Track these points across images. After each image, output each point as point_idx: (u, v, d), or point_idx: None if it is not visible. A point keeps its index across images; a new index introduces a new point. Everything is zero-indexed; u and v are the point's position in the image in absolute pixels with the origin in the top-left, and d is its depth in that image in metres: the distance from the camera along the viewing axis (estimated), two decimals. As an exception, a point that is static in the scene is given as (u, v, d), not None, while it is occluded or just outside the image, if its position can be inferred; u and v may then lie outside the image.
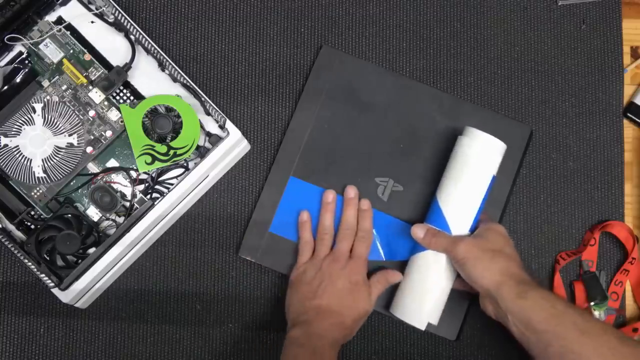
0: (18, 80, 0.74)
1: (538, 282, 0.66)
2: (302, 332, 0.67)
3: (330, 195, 0.75)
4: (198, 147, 0.73)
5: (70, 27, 0.75)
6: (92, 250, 0.71)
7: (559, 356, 0.60)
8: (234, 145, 0.74)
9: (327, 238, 0.74)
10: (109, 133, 0.74)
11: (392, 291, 0.73)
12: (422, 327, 0.69)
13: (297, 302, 0.70)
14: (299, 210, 0.75)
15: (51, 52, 0.74)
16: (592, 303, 0.74)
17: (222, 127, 0.73)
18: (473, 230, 0.71)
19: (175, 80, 0.74)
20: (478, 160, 0.70)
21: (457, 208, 0.70)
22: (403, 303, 0.71)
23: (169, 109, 0.73)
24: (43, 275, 0.69)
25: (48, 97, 0.74)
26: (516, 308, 0.63)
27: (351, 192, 0.75)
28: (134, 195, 0.73)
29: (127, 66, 0.74)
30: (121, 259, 0.73)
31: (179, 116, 0.72)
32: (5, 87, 0.74)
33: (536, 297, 0.63)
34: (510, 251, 0.68)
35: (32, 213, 0.73)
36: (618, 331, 0.61)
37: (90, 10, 0.75)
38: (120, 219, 0.73)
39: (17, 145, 0.73)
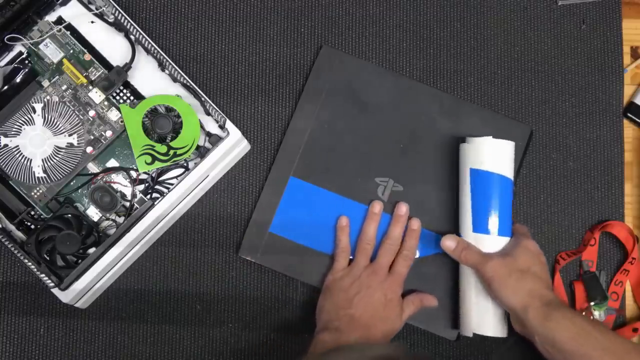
0: (18, 80, 0.74)
1: (564, 302, 0.66)
2: (331, 339, 0.67)
3: (377, 207, 0.75)
4: (198, 147, 0.73)
5: (70, 27, 0.75)
6: (92, 250, 0.71)
7: None
8: (234, 145, 0.74)
9: (369, 248, 0.74)
10: (109, 133, 0.74)
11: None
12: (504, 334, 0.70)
13: (332, 307, 0.70)
14: (299, 210, 0.75)
15: (51, 52, 0.74)
16: (592, 303, 0.74)
17: (222, 127, 0.73)
18: (509, 231, 0.71)
19: (175, 80, 0.74)
20: (495, 165, 0.70)
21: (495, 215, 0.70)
22: (485, 319, 0.70)
23: (169, 109, 0.73)
24: (43, 275, 0.69)
25: (48, 97, 0.74)
26: (542, 329, 0.64)
27: (401, 208, 0.75)
28: (134, 195, 0.73)
29: (127, 66, 0.74)
30: (121, 259, 0.73)
31: (179, 116, 0.72)
32: (5, 87, 0.74)
33: (561, 318, 0.63)
34: (539, 270, 0.68)
35: (32, 213, 0.73)
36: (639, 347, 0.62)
37: (90, 10, 0.75)
38: (120, 219, 0.73)
39: (17, 145, 0.73)
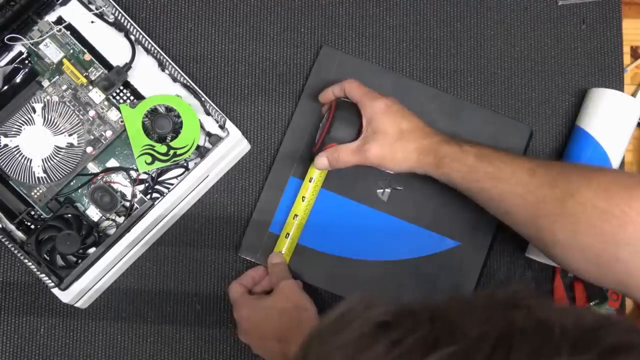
0: (18, 80, 0.74)
1: (446, 138, 0.67)
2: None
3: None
4: (198, 147, 0.73)
5: (70, 27, 0.75)
6: (92, 250, 0.71)
7: (486, 203, 0.64)
8: (234, 145, 0.74)
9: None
10: (109, 133, 0.74)
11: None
12: None
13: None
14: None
15: (51, 52, 0.74)
16: (592, 303, 0.74)
17: (222, 127, 0.73)
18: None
19: (175, 80, 0.74)
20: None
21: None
22: None
23: (169, 109, 0.73)
24: (43, 275, 0.68)
25: (48, 97, 0.74)
26: (439, 177, 0.66)
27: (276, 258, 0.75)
28: (134, 195, 0.73)
29: (127, 66, 0.74)
30: (121, 259, 0.73)
31: (179, 116, 0.72)
32: (5, 87, 0.74)
33: (449, 161, 0.65)
34: (408, 123, 0.68)
35: (32, 213, 0.73)
36: (529, 162, 0.62)
37: (90, 10, 0.75)
38: (120, 219, 0.73)
39: (17, 145, 0.73)
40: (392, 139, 0.67)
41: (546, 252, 0.61)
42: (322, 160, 0.70)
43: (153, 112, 0.73)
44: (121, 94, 0.75)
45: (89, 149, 0.73)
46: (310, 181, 0.74)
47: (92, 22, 0.75)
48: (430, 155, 0.66)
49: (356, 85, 0.70)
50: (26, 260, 0.69)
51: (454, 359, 0.27)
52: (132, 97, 0.75)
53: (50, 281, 0.69)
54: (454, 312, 0.32)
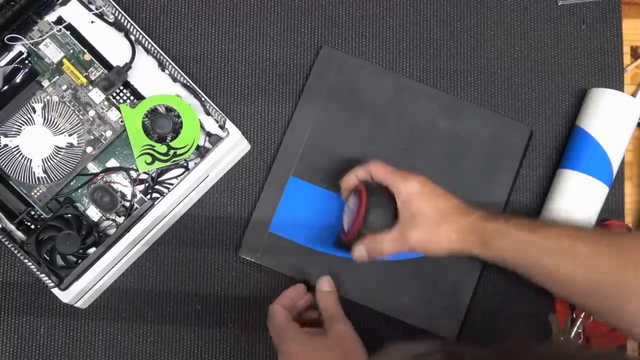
0: (18, 80, 0.74)
1: (491, 213, 0.64)
2: None
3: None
4: (198, 147, 0.73)
5: (70, 27, 0.75)
6: (92, 250, 0.71)
7: (544, 279, 0.61)
8: (234, 145, 0.74)
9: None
10: (109, 133, 0.74)
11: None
12: None
13: None
14: (299, 210, 0.75)
15: (51, 52, 0.74)
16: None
17: (222, 127, 0.73)
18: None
19: (175, 80, 0.74)
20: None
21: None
22: None
23: (169, 109, 0.73)
24: (43, 275, 0.68)
25: (48, 97, 0.74)
26: (489, 256, 0.63)
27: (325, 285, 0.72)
28: (134, 195, 0.73)
29: (127, 66, 0.74)
30: (121, 259, 0.73)
31: (179, 116, 0.72)
32: (5, 87, 0.74)
33: (498, 240, 0.62)
34: (445, 203, 0.65)
35: (32, 213, 0.73)
36: (589, 233, 0.60)
37: (90, 10, 0.75)
38: (120, 219, 0.73)
39: (17, 145, 0.73)
40: (432, 221, 0.64)
41: (611, 323, 0.59)
42: (361, 253, 0.67)
43: (153, 112, 0.73)
44: (121, 94, 0.75)
45: (89, 149, 0.73)
46: None
47: (92, 22, 0.75)
48: (475, 234, 0.63)
49: (382, 167, 0.67)
50: (26, 260, 0.69)
51: None
52: (132, 97, 0.75)
53: (50, 281, 0.69)
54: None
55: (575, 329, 0.74)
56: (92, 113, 0.74)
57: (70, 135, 0.73)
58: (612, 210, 0.77)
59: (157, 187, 0.74)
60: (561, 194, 0.74)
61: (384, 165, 0.67)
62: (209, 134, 0.74)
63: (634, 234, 0.62)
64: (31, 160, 0.72)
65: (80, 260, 0.70)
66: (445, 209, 0.64)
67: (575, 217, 0.73)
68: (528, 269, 0.61)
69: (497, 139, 0.76)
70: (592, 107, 0.75)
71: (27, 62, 0.75)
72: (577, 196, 0.73)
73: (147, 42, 0.72)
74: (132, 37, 0.74)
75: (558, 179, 0.75)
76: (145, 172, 0.73)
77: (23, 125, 0.73)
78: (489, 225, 0.62)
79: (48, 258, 0.71)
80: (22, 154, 0.72)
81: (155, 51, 0.72)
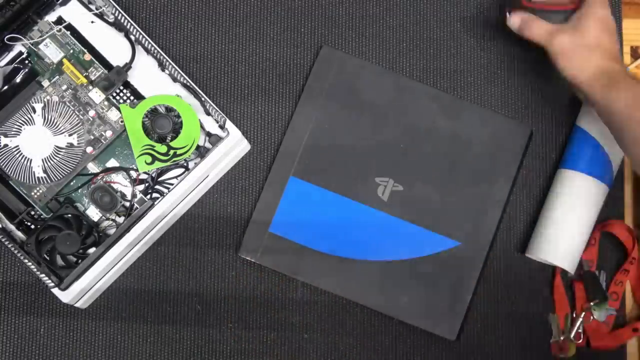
0: (18, 80, 0.74)
1: (626, 74, 0.66)
2: None
3: None
4: (198, 147, 0.73)
5: (70, 27, 0.75)
6: (92, 250, 0.71)
7: (633, 142, 0.63)
8: (234, 145, 0.74)
9: None
10: (109, 133, 0.74)
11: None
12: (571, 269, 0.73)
13: None
14: (299, 210, 0.75)
15: (51, 52, 0.74)
16: (592, 303, 0.74)
17: (222, 127, 0.73)
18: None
19: (175, 80, 0.74)
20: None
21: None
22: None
23: (169, 109, 0.73)
24: (43, 275, 0.68)
25: (48, 97, 0.74)
26: (603, 101, 0.64)
27: None
28: (134, 195, 0.73)
29: (127, 66, 0.74)
30: (121, 259, 0.73)
31: (179, 116, 0.72)
32: (5, 87, 0.74)
33: (622, 89, 0.64)
34: (608, 42, 0.67)
35: (32, 213, 0.73)
36: None
37: (90, 10, 0.75)
38: (120, 219, 0.73)
39: (17, 145, 0.73)
40: (585, 43, 0.67)
41: None
42: (516, 20, 0.71)
43: (153, 112, 0.73)
44: (121, 94, 0.75)
45: (89, 149, 0.73)
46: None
47: (92, 22, 0.75)
48: (605, 77, 0.65)
49: None
50: (26, 260, 0.69)
51: None
52: (132, 97, 0.75)
53: (50, 281, 0.69)
54: None
55: (575, 329, 0.74)
56: (92, 113, 0.74)
57: (70, 135, 0.73)
58: (612, 210, 0.77)
59: (157, 187, 0.74)
60: (561, 194, 0.74)
61: None
62: (209, 134, 0.74)
63: None
64: (31, 160, 0.73)
65: (80, 260, 0.70)
66: (604, 45, 0.67)
67: (574, 218, 0.73)
68: (621, 123, 0.63)
69: (497, 139, 0.76)
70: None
71: (27, 62, 0.75)
72: (577, 196, 0.73)
73: (147, 42, 0.72)
74: (132, 37, 0.74)
75: (558, 178, 0.75)
76: (145, 172, 0.73)
77: (23, 125, 0.73)
78: (622, 76, 0.65)
79: (48, 258, 0.71)
80: (22, 154, 0.72)
81: (155, 51, 0.72)
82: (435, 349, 0.75)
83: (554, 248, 0.73)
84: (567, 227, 0.73)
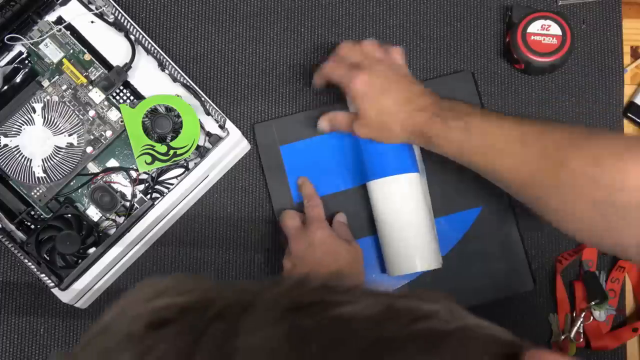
0: (18, 80, 0.74)
1: (428, 103, 0.65)
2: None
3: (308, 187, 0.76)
4: (198, 147, 0.73)
5: (70, 27, 0.75)
6: (92, 250, 0.71)
7: (481, 174, 0.64)
8: (234, 145, 0.74)
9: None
10: (109, 133, 0.74)
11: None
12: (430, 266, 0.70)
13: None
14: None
15: (51, 52, 0.74)
16: (592, 303, 0.74)
17: (222, 127, 0.73)
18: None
19: (175, 80, 0.74)
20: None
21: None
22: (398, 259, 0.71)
23: (169, 109, 0.73)
24: (43, 275, 0.68)
25: (48, 97, 0.74)
26: (435, 151, 0.66)
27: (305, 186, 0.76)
28: (134, 195, 0.73)
29: (127, 66, 0.74)
30: (121, 259, 0.73)
31: (179, 116, 0.72)
32: (5, 87, 0.74)
33: (437, 141, 0.64)
34: (389, 100, 0.66)
35: (32, 213, 0.73)
36: (519, 128, 0.61)
37: (90, 10, 0.75)
38: (120, 219, 0.73)
39: (17, 145, 0.73)
40: (376, 121, 0.67)
41: (542, 218, 0.61)
42: (324, 124, 0.72)
43: (153, 112, 0.73)
44: (121, 94, 0.75)
45: (89, 149, 0.73)
46: None
47: (92, 22, 0.75)
48: (419, 136, 0.65)
49: (335, 65, 0.69)
50: (26, 260, 0.69)
51: None
52: (132, 97, 0.75)
53: (50, 281, 0.69)
54: (248, 309, 0.27)
55: (575, 329, 0.74)
56: (92, 113, 0.74)
57: (70, 135, 0.73)
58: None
59: (157, 187, 0.74)
60: (379, 207, 0.72)
61: (340, 64, 0.69)
62: (209, 134, 0.74)
63: (556, 129, 0.61)
64: (31, 160, 0.72)
65: (80, 260, 0.70)
66: (388, 108, 0.66)
67: (406, 221, 0.70)
68: (467, 165, 0.64)
69: (449, 97, 0.76)
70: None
71: (27, 62, 0.75)
72: (392, 201, 0.70)
73: (147, 42, 0.72)
74: (132, 37, 0.74)
75: (370, 194, 0.73)
76: (145, 172, 0.73)
77: (23, 125, 0.73)
78: (429, 128, 0.64)
79: (48, 258, 0.71)
80: (22, 154, 0.72)
81: (155, 51, 0.72)
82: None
83: (405, 260, 0.70)
84: (405, 235, 0.70)
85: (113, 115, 0.74)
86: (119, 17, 0.72)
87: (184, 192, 0.72)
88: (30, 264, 0.69)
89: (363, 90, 0.66)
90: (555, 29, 0.74)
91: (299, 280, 0.28)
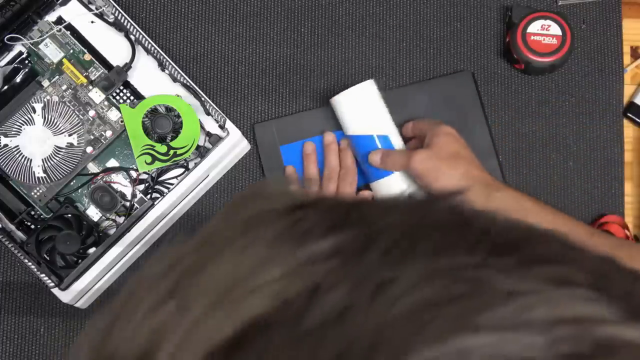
0: (18, 80, 0.74)
1: (502, 182, 0.66)
2: None
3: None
4: (198, 147, 0.73)
5: (70, 27, 0.75)
6: (92, 250, 0.71)
7: None
8: (234, 145, 0.74)
9: (315, 185, 0.75)
10: (109, 133, 0.74)
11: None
12: None
13: None
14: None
15: (51, 52, 0.74)
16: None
17: (222, 127, 0.73)
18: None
19: (175, 80, 0.74)
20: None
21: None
22: None
23: (169, 109, 0.73)
24: (43, 275, 0.68)
25: (48, 97, 0.74)
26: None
27: (329, 137, 0.76)
28: (134, 195, 0.73)
29: (127, 66, 0.74)
30: (121, 259, 0.73)
31: (179, 116, 0.72)
32: (5, 87, 0.74)
33: (502, 197, 0.63)
34: (466, 152, 0.67)
35: (32, 213, 0.73)
36: (586, 227, 0.62)
37: (90, 10, 0.75)
38: (120, 219, 0.73)
39: (17, 145, 0.73)
40: (444, 155, 0.66)
41: None
42: (375, 158, 0.70)
43: (153, 112, 0.73)
44: (121, 94, 0.75)
45: (89, 149, 0.73)
46: None
47: (92, 22, 0.75)
48: (480, 186, 0.64)
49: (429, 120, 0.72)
50: (26, 260, 0.69)
51: (354, 241, 0.23)
52: (132, 97, 0.75)
53: (50, 281, 0.69)
54: (376, 206, 0.27)
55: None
56: (92, 113, 0.74)
57: (70, 135, 0.73)
58: (612, 210, 0.77)
59: (157, 187, 0.74)
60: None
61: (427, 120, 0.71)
62: (209, 134, 0.74)
63: (624, 240, 0.62)
64: (31, 160, 0.72)
65: (80, 260, 0.70)
66: (463, 155, 0.66)
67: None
68: None
69: (449, 97, 0.77)
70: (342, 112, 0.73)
71: (27, 62, 0.75)
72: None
73: (147, 42, 0.72)
74: (132, 37, 0.74)
75: (376, 194, 0.73)
76: (145, 172, 0.73)
77: (23, 125, 0.73)
78: (498, 185, 0.64)
79: (48, 258, 0.71)
80: (22, 154, 0.72)
81: (155, 51, 0.72)
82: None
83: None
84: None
85: (113, 115, 0.74)
86: (119, 17, 0.72)
87: (184, 192, 0.72)
88: (30, 264, 0.69)
89: (449, 131, 0.68)
90: (555, 29, 0.74)
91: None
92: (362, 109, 0.71)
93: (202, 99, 0.72)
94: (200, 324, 0.21)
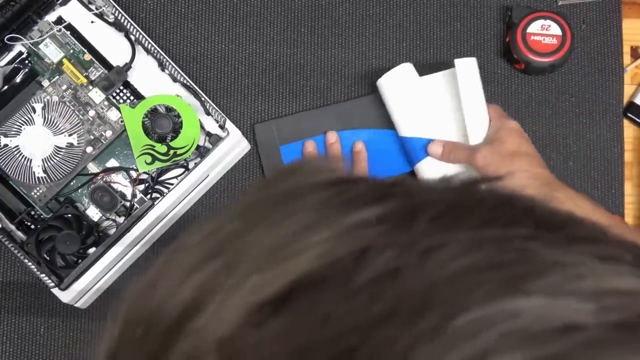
0: (18, 80, 0.74)
1: (562, 182, 0.65)
2: None
3: (310, 146, 0.76)
4: (198, 147, 0.73)
5: (70, 27, 0.75)
6: (92, 250, 0.71)
7: None
8: (234, 145, 0.74)
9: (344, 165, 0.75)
10: (109, 133, 0.74)
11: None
12: None
13: None
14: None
15: (51, 52, 0.74)
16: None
17: (222, 127, 0.73)
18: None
19: (175, 80, 0.74)
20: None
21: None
22: None
23: (169, 109, 0.73)
24: (43, 275, 0.68)
25: (48, 97, 0.74)
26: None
27: (332, 137, 0.76)
28: (134, 195, 0.73)
29: (127, 66, 0.74)
30: (121, 259, 0.73)
31: (179, 116, 0.72)
32: (5, 87, 0.74)
33: (563, 199, 0.62)
34: (529, 148, 0.67)
35: (32, 213, 0.73)
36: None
37: (90, 10, 0.75)
38: (120, 219, 0.73)
39: (17, 145, 0.73)
40: (506, 151, 0.66)
41: None
42: (437, 149, 0.71)
43: (153, 112, 0.73)
44: (121, 94, 0.75)
45: (89, 149, 0.73)
46: None
47: (92, 22, 0.75)
48: (540, 183, 0.64)
49: (497, 108, 0.71)
50: (26, 260, 0.69)
51: (401, 210, 0.23)
52: (132, 97, 0.75)
53: (50, 281, 0.69)
54: (419, 183, 0.28)
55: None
56: (92, 113, 0.74)
57: (70, 135, 0.73)
58: (612, 210, 0.77)
59: (157, 187, 0.74)
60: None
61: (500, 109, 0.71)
62: (209, 134, 0.74)
63: None
64: (31, 160, 0.72)
65: (80, 260, 0.70)
66: (525, 152, 0.66)
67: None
68: None
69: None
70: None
71: (27, 62, 0.75)
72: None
73: (147, 42, 0.72)
74: (132, 37, 0.74)
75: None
76: (145, 172, 0.73)
77: (23, 125, 0.73)
78: (560, 184, 0.64)
79: (48, 258, 0.71)
80: (22, 154, 0.72)
81: (155, 51, 0.72)
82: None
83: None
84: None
85: (113, 115, 0.74)
86: (119, 17, 0.72)
87: (184, 192, 0.72)
88: (30, 264, 0.69)
89: (514, 126, 0.68)
90: (555, 29, 0.74)
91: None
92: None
93: (202, 99, 0.72)
94: (248, 280, 0.21)
